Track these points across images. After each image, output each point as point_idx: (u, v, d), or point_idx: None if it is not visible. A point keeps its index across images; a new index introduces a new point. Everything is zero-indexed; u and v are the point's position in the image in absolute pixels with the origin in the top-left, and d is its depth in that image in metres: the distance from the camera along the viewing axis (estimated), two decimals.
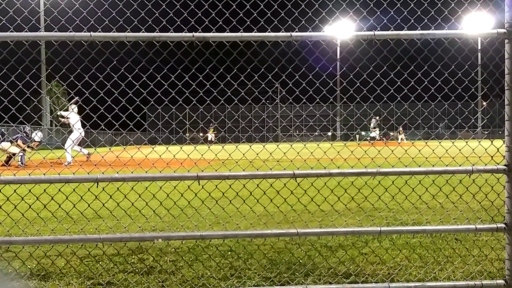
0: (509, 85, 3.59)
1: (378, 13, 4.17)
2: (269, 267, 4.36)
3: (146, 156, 3.86)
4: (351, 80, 4.34)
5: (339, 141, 36.80)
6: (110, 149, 4.39)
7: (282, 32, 3.61)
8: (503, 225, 3.65)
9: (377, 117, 34.61)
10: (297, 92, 4.24)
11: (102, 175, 3.49)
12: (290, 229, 3.68)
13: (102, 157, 4.05)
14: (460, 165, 3.82)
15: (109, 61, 3.78)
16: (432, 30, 3.71)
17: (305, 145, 3.90)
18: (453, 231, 4.43)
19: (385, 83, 4.13)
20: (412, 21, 3.92)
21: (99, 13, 3.81)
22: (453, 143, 3.93)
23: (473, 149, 3.91)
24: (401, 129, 37.78)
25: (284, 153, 3.86)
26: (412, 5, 4.11)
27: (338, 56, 4.64)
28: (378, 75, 4.12)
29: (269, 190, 4.32)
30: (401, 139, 37.25)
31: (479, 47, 5.13)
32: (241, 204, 4.60)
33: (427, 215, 5.99)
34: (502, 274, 3.79)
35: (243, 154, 3.92)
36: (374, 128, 36.05)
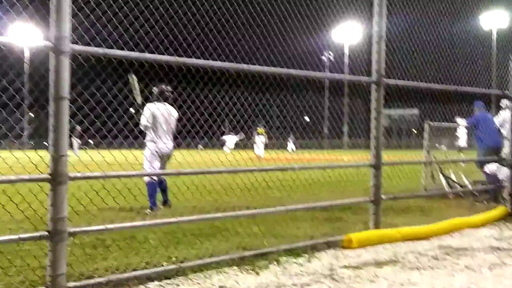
0: (53, 96, 3.71)
1: None
2: None
3: None
4: None
5: None
6: None
7: None
8: (46, 233, 3.73)
9: None
10: None
11: None
12: None
13: None
14: (3, 175, 3.71)
15: None
16: None
17: None
18: None
19: None
20: None
21: None
22: None
23: (18, 159, 3.87)
24: None
25: None
26: None
27: None
28: None
29: None
30: None
31: (28, 58, 5.13)
32: None
33: None
34: (44, 281, 3.85)
35: None
36: None
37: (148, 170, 7.78)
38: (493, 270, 4.58)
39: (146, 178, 7.82)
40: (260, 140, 27.38)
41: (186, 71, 5.24)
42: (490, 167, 9.38)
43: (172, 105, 8.17)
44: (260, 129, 26.88)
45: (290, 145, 29.13)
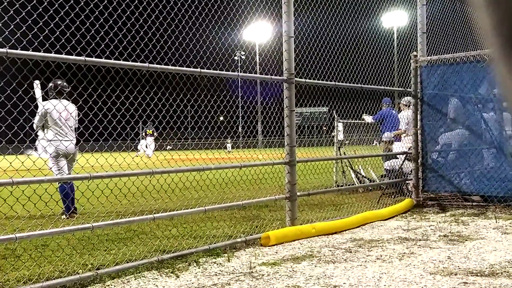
0: None
1: None
2: None
3: None
4: None
5: None
6: None
7: None
8: None
9: None
10: None
11: None
12: None
13: None
14: None
15: None
16: None
17: None
18: None
19: None
20: None
21: None
22: None
23: None
24: None
25: None
26: None
27: None
28: None
29: None
30: None
31: None
32: None
33: None
34: None
35: None
36: None
37: (56, 173, 7.44)
38: (402, 259, 4.84)
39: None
40: (150, 140, 29.21)
41: (95, 71, 5.09)
42: (388, 164, 9.88)
43: (68, 100, 7.66)
44: (149, 130, 28.34)
45: (229, 145, 30.99)
